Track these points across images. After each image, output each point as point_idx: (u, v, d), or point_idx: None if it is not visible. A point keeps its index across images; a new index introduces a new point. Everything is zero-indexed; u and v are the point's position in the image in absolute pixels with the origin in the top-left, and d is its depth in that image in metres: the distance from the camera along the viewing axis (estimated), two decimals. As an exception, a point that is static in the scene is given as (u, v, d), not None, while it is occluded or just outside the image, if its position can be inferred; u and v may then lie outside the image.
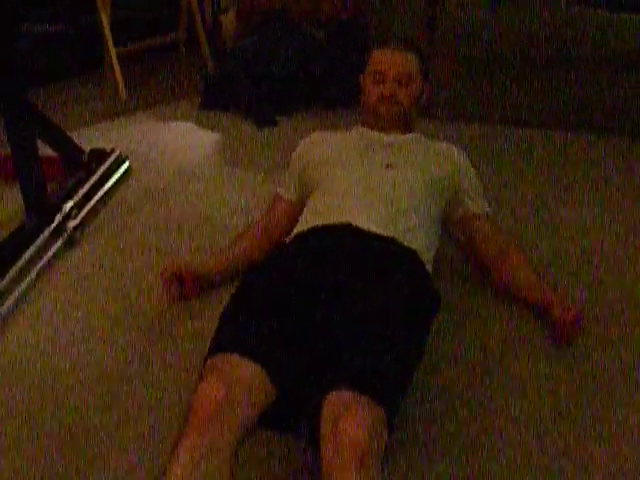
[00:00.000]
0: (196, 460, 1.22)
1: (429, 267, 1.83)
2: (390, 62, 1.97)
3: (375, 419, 1.31)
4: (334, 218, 1.80)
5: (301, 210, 2.02)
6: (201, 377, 1.39)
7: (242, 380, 1.35)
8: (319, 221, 1.82)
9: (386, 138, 2.00)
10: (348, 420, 1.27)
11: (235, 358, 1.40)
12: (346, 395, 1.33)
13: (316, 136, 2.14)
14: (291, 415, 1.50)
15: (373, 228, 1.76)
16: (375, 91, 1.99)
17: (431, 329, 1.72)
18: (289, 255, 1.77)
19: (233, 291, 1.70)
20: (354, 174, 1.90)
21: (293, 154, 2.15)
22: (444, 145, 2.09)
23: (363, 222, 1.77)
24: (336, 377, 1.39)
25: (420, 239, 1.82)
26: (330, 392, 1.35)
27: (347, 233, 1.76)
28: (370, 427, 1.28)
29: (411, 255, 1.77)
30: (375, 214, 1.80)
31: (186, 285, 2.00)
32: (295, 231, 1.89)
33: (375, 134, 2.02)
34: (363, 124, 2.07)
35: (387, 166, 1.91)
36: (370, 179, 1.88)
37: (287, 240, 1.88)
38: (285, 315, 1.53)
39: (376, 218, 1.79)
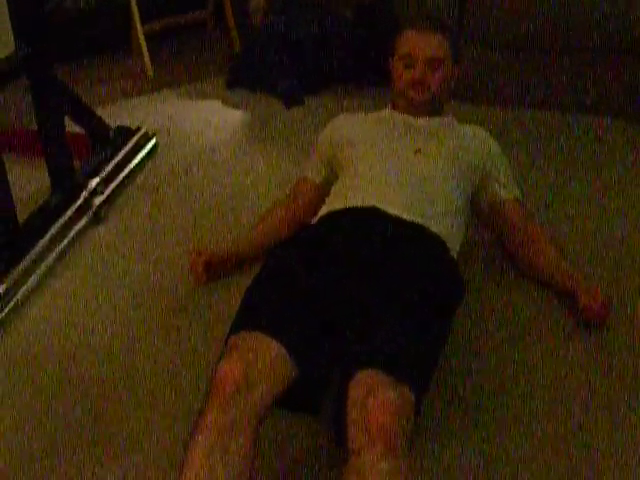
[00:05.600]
0: (217, 437, 1.23)
1: (455, 253, 1.81)
2: (420, 45, 1.90)
3: (403, 401, 1.30)
4: (361, 201, 1.78)
5: (326, 192, 2.01)
6: (222, 355, 1.38)
7: (263, 358, 1.35)
8: (346, 204, 1.81)
9: (416, 122, 1.97)
10: (376, 402, 1.26)
11: (256, 336, 1.40)
12: (374, 376, 1.32)
13: (344, 118, 2.11)
14: (313, 397, 1.49)
15: (400, 213, 1.74)
16: (405, 75, 1.93)
17: (456, 315, 1.70)
18: (314, 236, 1.76)
19: (256, 271, 1.69)
20: (383, 158, 1.87)
21: (320, 135, 2.13)
22: (474, 129, 2.05)
23: (390, 206, 1.75)
24: (363, 358, 1.38)
25: (447, 225, 1.80)
26: (357, 373, 1.34)
27: (373, 217, 1.74)
28: (398, 409, 1.27)
29: (437, 241, 1.75)
30: (402, 199, 1.77)
31: (213, 270, 2.00)
32: (321, 213, 1.88)
33: (405, 117, 1.98)
34: (393, 107, 2.04)
35: (416, 151, 1.88)
36: (399, 164, 1.85)
37: (313, 222, 1.87)
38: (308, 295, 1.53)
39: (403, 203, 1.76)
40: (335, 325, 1.50)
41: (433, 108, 1.98)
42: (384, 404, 1.26)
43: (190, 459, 1.22)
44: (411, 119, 1.97)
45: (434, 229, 1.75)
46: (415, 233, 1.73)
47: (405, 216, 1.74)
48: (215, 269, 2.01)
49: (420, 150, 1.88)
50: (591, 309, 1.79)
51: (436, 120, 1.99)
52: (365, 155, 1.90)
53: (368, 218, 1.74)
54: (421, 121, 1.96)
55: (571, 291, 1.87)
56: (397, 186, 1.80)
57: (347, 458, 1.25)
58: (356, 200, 1.79)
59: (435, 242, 1.75)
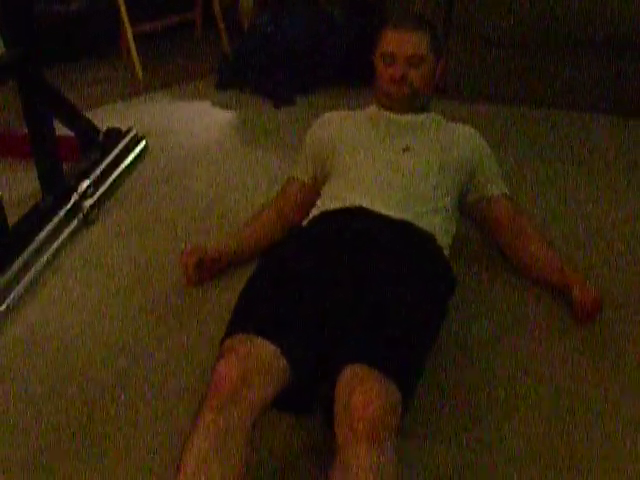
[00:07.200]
0: (213, 438, 1.24)
1: (446, 250, 1.82)
2: (400, 43, 1.89)
3: (388, 394, 1.31)
4: (350, 202, 1.79)
5: (315, 191, 2.02)
6: (218, 357, 1.39)
7: (258, 360, 1.36)
8: (335, 205, 1.82)
9: (402, 119, 1.97)
10: (361, 394, 1.28)
11: (252, 338, 1.40)
12: (360, 370, 1.33)
13: (330, 116, 2.10)
14: (306, 397, 1.50)
15: (389, 212, 1.75)
16: (386, 73, 1.92)
17: (447, 312, 1.71)
18: (305, 238, 1.76)
19: (249, 272, 1.70)
20: (371, 158, 1.88)
21: (307, 135, 2.12)
22: (461, 126, 2.06)
23: (380, 206, 1.76)
24: (351, 354, 1.39)
25: (437, 223, 1.81)
26: (345, 368, 1.35)
27: (363, 217, 1.75)
28: (383, 402, 1.28)
29: (427, 238, 1.76)
30: (392, 199, 1.78)
31: (204, 270, 2.00)
32: (311, 215, 1.88)
33: (390, 115, 1.98)
34: (378, 104, 2.04)
35: (404, 150, 1.89)
36: (387, 163, 1.86)
37: (303, 223, 1.87)
38: (301, 296, 1.53)
39: (393, 202, 1.78)
40: (328, 326, 1.50)
41: (417, 104, 1.97)
42: (370, 397, 1.27)
43: (186, 461, 1.22)
44: (396, 116, 1.97)
45: (424, 227, 1.76)
46: (405, 231, 1.74)
47: (395, 215, 1.75)
48: (206, 269, 2.01)
49: (408, 148, 1.89)
50: (583, 303, 1.80)
51: (421, 117, 1.99)
52: (353, 156, 1.91)
53: (358, 218, 1.75)
54: (407, 118, 1.97)
55: (563, 285, 1.88)
56: (386, 186, 1.81)
57: (335, 450, 1.26)
58: (346, 201, 1.80)
59: (425, 239, 1.76)
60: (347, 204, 1.79)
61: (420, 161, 1.87)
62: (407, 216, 1.76)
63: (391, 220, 1.74)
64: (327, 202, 1.87)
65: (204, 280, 2.02)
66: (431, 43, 1.91)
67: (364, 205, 1.77)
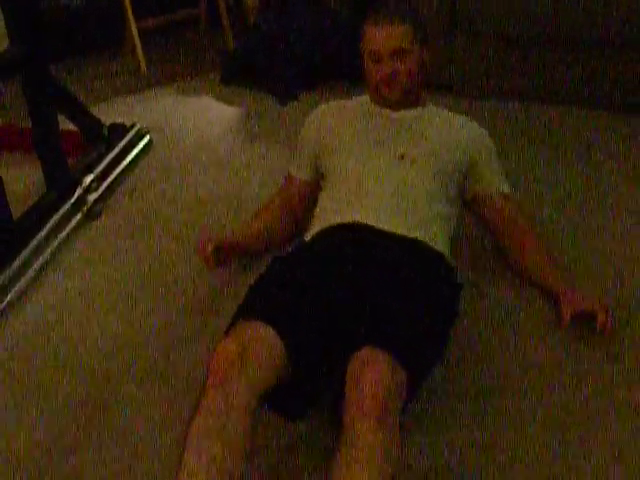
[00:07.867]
0: (215, 416, 1.26)
1: (447, 251, 1.82)
2: (382, 39, 1.84)
3: (396, 378, 1.34)
4: (348, 217, 1.79)
5: (316, 186, 2.05)
6: (219, 341, 1.42)
7: (257, 340, 1.39)
8: (334, 220, 1.82)
9: (396, 115, 1.94)
10: (370, 374, 1.31)
11: (252, 322, 1.44)
12: (371, 351, 1.36)
13: (323, 110, 2.06)
14: (302, 401, 1.52)
15: (388, 227, 1.75)
16: (374, 71, 1.88)
17: (455, 313, 1.74)
18: (308, 254, 1.77)
19: (255, 269, 1.71)
20: (366, 167, 1.86)
21: (301, 131, 2.09)
22: (458, 117, 2.01)
23: (379, 222, 1.76)
24: (363, 337, 1.42)
25: (437, 228, 1.81)
26: (356, 352, 1.38)
27: (361, 233, 1.75)
28: (390, 384, 1.31)
29: (427, 249, 1.77)
30: (390, 212, 1.78)
31: (222, 256, 1.91)
32: (312, 230, 1.88)
33: (384, 112, 1.94)
34: (371, 100, 1.99)
35: (400, 157, 1.86)
36: (383, 173, 1.84)
37: (306, 238, 1.88)
38: (304, 295, 1.55)
39: (391, 217, 1.78)
40: (331, 321, 1.52)
41: (409, 99, 1.93)
42: (378, 377, 1.30)
43: (189, 440, 1.25)
44: (391, 113, 1.94)
45: (426, 239, 1.77)
46: (404, 244, 1.74)
47: (392, 229, 1.75)
48: (224, 255, 1.92)
49: (404, 155, 1.86)
50: (565, 314, 1.75)
51: (416, 111, 1.95)
52: (349, 164, 1.89)
53: (357, 235, 1.75)
54: (401, 114, 1.94)
55: (554, 295, 1.85)
56: (383, 198, 1.80)
57: (341, 431, 1.28)
58: (344, 216, 1.80)
59: (425, 249, 1.77)
60: (345, 219, 1.79)
61: (417, 169, 1.85)
62: (404, 230, 1.76)
63: (389, 235, 1.75)
64: (326, 216, 1.87)
65: (219, 265, 1.91)
66: (414, 34, 1.86)
67: (362, 221, 1.77)
